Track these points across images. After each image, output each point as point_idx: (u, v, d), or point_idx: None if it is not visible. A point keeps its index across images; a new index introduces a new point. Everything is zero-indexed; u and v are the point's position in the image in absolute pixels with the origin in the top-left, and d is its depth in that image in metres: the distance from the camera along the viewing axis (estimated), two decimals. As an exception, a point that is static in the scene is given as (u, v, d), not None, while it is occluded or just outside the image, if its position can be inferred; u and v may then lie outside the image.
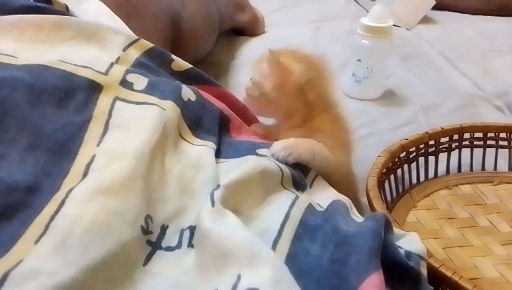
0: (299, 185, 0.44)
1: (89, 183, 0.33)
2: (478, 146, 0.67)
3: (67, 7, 0.49)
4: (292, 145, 0.47)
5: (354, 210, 0.45)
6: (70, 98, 0.39)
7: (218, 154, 0.45)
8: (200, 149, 0.43)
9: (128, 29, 0.50)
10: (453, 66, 1.01)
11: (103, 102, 0.40)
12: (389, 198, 0.60)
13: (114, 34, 0.46)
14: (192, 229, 0.35)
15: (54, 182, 0.33)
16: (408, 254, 0.37)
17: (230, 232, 0.31)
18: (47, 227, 0.30)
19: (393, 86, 0.90)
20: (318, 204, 0.43)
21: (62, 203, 0.31)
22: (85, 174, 0.34)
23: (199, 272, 0.31)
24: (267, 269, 0.28)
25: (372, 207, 0.50)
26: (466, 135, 0.66)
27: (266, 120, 0.57)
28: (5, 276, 0.26)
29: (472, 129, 0.66)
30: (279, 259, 0.30)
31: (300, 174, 0.46)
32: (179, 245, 0.34)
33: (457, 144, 0.66)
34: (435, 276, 0.41)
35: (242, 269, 0.29)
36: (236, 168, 0.39)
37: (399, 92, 0.89)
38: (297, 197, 0.41)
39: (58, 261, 0.28)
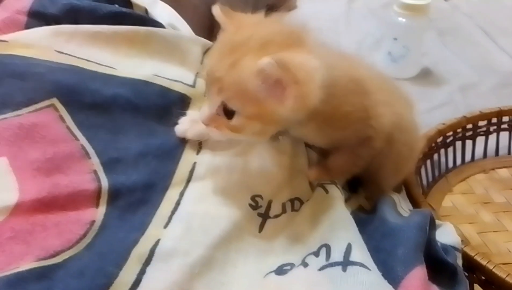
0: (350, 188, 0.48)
1: (197, 189, 0.39)
2: (517, 130, 0.66)
3: (146, 11, 0.53)
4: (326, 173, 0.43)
5: (403, 204, 0.47)
6: (168, 113, 0.43)
7: None
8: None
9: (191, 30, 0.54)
10: (492, 41, 0.98)
11: (192, 113, 0.44)
12: (425, 182, 0.61)
13: (193, 44, 0.49)
14: (292, 200, 0.41)
15: (164, 180, 0.39)
16: (445, 248, 0.40)
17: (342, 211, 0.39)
18: (170, 218, 0.36)
19: (430, 64, 0.89)
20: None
21: (178, 203, 0.37)
22: (188, 180, 0.40)
23: (312, 228, 0.38)
24: (365, 252, 0.33)
25: (409, 194, 0.51)
26: (505, 118, 0.66)
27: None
28: (152, 252, 0.33)
29: (511, 112, 0.65)
30: None
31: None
32: (284, 211, 0.41)
33: (495, 127, 0.66)
34: (470, 263, 0.43)
35: (354, 242, 0.34)
36: None
37: (435, 70, 0.88)
38: (349, 197, 0.45)
39: (188, 242, 0.34)
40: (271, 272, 0.35)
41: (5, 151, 0.35)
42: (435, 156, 0.63)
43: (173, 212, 0.36)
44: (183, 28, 0.53)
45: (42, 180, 0.34)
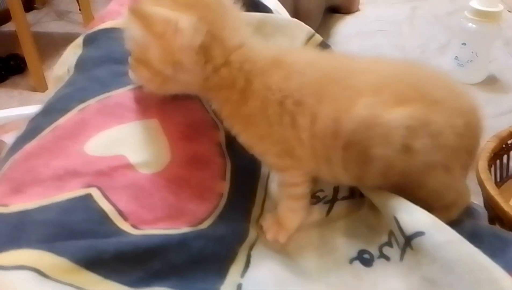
0: None
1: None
2: None
3: None
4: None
5: None
6: None
7: None
8: None
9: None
10: (560, 53, 0.97)
11: None
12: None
13: (299, 30, 0.54)
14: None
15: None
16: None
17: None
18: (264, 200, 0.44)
19: (496, 71, 0.90)
20: None
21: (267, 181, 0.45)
22: None
23: (377, 214, 0.40)
24: (424, 214, 0.34)
25: (483, 189, 0.53)
26: None
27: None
28: None
29: None
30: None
31: None
32: (351, 195, 0.44)
33: None
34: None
35: (398, 211, 0.35)
36: None
37: (502, 77, 0.89)
38: None
39: None
40: (355, 259, 0.37)
41: (155, 113, 0.41)
42: (505, 157, 0.64)
43: (266, 191, 0.44)
44: (284, 14, 0.57)
45: (187, 144, 0.40)
